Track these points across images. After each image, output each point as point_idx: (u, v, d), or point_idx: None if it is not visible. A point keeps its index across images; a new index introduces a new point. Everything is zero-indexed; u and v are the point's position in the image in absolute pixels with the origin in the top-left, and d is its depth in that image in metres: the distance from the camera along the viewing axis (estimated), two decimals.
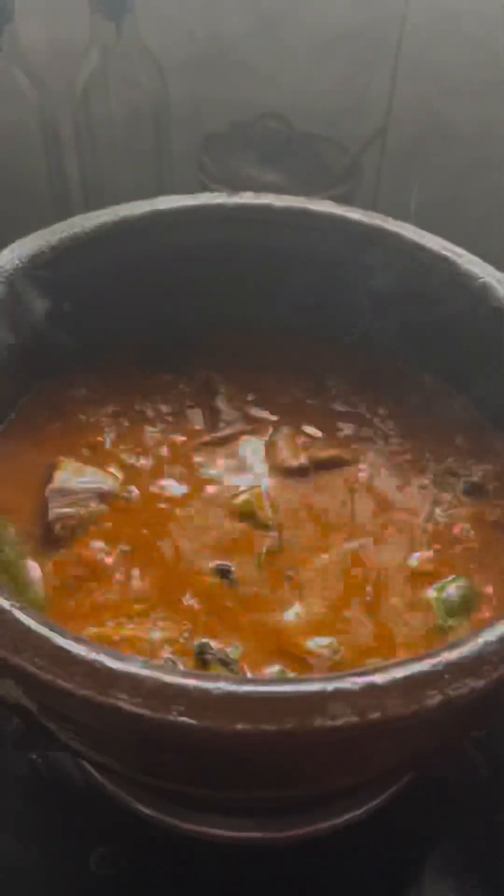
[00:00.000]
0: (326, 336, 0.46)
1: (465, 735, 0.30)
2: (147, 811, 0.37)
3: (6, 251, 0.39)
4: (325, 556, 0.37)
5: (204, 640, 0.32)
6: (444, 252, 0.40)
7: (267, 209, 0.42)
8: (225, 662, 0.30)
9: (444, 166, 0.71)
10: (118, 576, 0.36)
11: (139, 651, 0.32)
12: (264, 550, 0.36)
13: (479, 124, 0.69)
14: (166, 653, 0.32)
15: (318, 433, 0.43)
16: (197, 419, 0.43)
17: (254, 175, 0.63)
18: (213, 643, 0.32)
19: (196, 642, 0.32)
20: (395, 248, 0.41)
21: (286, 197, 0.42)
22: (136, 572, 0.36)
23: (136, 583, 0.35)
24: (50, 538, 0.37)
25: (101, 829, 0.38)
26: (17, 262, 0.38)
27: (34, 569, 0.36)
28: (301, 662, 0.32)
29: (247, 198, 0.42)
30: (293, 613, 0.34)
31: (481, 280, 0.39)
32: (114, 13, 0.59)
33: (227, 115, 0.68)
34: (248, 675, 0.31)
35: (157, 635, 0.33)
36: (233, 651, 0.31)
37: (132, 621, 0.34)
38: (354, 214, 0.42)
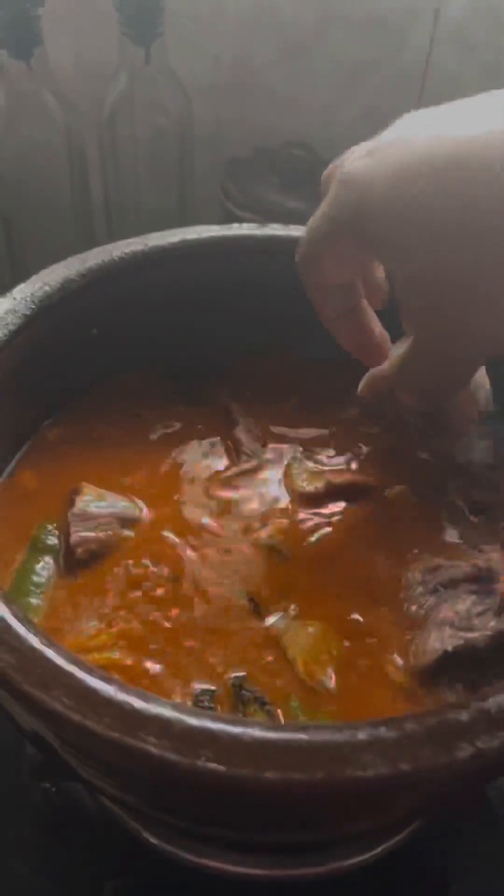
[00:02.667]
0: (349, 364, 0.46)
1: (489, 781, 0.30)
2: (161, 844, 0.37)
3: (35, 278, 0.39)
4: (342, 586, 0.36)
5: (241, 675, 0.32)
6: None
7: (297, 241, 0.42)
8: (262, 702, 0.30)
9: None
10: (136, 600, 0.35)
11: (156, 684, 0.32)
12: (285, 582, 0.36)
13: None
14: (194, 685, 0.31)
15: (337, 459, 0.43)
16: (218, 448, 0.43)
17: (277, 201, 0.63)
18: (246, 680, 0.31)
19: (231, 676, 0.32)
20: None
21: None
22: (154, 597, 0.36)
23: (154, 610, 0.35)
24: (71, 561, 0.37)
25: (114, 860, 0.37)
26: (46, 288, 0.39)
27: (43, 578, 0.36)
28: (312, 693, 0.32)
29: (276, 229, 0.42)
30: (308, 645, 0.34)
31: None
32: (143, 38, 0.59)
33: (251, 141, 0.69)
34: (281, 717, 0.31)
35: (159, 668, 0.33)
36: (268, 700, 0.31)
37: (138, 648, 0.33)
38: None
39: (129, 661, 0.33)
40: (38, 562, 0.37)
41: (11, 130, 0.61)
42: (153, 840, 0.37)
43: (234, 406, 0.44)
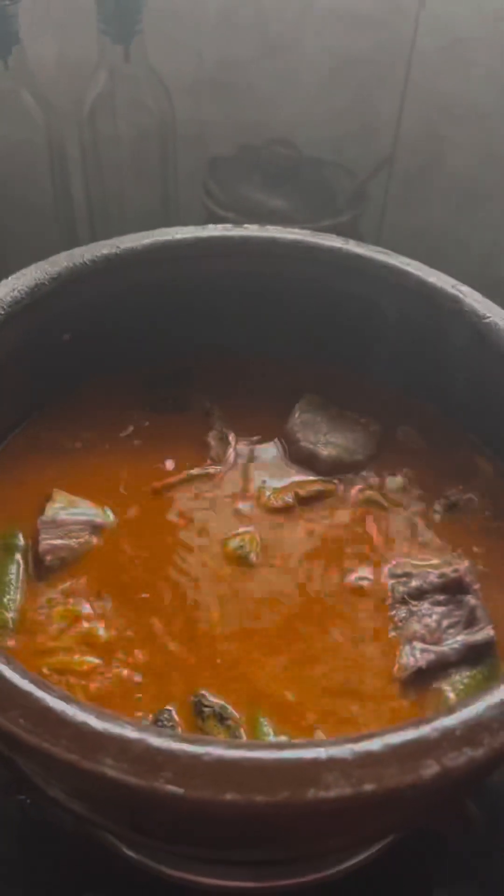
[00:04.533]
0: (327, 368, 0.45)
1: (462, 798, 0.29)
2: (140, 858, 0.36)
3: (5, 282, 0.38)
4: (312, 598, 0.36)
5: (201, 690, 0.31)
6: (450, 290, 0.40)
7: (272, 243, 0.41)
8: (222, 717, 0.30)
9: (450, 193, 0.71)
10: (101, 607, 0.35)
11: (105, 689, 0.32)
12: (251, 593, 0.36)
13: (486, 151, 0.68)
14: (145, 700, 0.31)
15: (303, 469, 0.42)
16: (190, 454, 0.42)
17: (260, 200, 0.62)
18: (208, 694, 0.31)
19: (192, 689, 0.31)
20: (400, 285, 0.41)
21: (292, 230, 0.42)
22: (119, 605, 0.35)
23: (117, 617, 0.35)
24: (40, 568, 0.36)
25: (90, 873, 0.37)
26: (15, 292, 0.38)
27: (14, 590, 0.35)
28: (284, 708, 0.32)
29: (251, 230, 0.41)
30: (278, 658, 0.34)
31: (487, 319, 0.39)
32: (122, 36, 0.59)
33: (234, 139, 0.68)
34: (243, 733, 0.30)
35: (127, 672, 0.32)
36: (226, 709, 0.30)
37: (104, 656, 0.33)
38: (361, 250, 0.41)
39: (86, 667, 0.33)
40: (8, 564, 0.36)
41: None
42: (132, 854, 0.37)
43: (215, 411, 0.44)
